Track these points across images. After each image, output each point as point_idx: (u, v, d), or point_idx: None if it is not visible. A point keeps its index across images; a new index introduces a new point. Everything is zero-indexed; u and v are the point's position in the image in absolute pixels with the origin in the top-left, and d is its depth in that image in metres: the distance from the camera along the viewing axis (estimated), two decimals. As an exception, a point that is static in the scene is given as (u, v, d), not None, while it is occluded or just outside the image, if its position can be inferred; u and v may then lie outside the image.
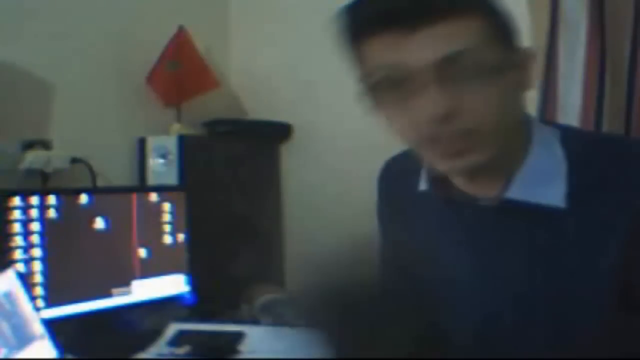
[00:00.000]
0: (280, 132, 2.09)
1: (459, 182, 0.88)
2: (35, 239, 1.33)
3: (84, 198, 1.42)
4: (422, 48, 0.75)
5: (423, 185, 0.93)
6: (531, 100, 1.65)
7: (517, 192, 0.83)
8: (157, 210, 1.56)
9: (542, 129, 0.87)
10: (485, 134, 0.78)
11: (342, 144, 1.99)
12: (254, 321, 1.44)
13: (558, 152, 0.84)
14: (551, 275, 0.83)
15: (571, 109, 1.60)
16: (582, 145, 0.84)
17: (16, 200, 1.31)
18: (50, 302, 1.34)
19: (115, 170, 1.76)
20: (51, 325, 0.99)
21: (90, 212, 1.43)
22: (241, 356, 1.27)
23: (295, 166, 2.12)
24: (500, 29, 0.78)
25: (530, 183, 0.83)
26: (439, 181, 0.90)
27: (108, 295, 1.45)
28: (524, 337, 0.86)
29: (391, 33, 0.76)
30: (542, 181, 0.83)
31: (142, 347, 1.31)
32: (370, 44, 0.78)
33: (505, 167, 0.84)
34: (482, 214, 0.87)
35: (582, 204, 0.80)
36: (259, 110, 2.13)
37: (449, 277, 0.88)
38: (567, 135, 0.86)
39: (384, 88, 0.79)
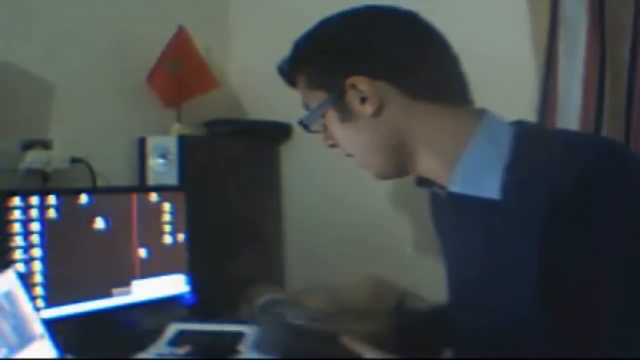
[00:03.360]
0: (280, 132, 2.09)
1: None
2: (35, 239, 1.33)
3: (84, 198, 1.42)
4: None
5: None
6: (531, 100, 1.65)
7: (456, 185, 0.93)
8: (157, 210, 1.56)
9: (494, 126, 0.93)
10: (358, 158, 1.00)
11: (342, 144, 1.99)
12: (254, 321, 1.44)
13: (503, 146, 0.90)
14: (486, 262, 0.92)
15: (571, 109, 1.60)
16: (528, 140, 0.90)
17: (16, 200, 1.31)
18: (50, 302, 1.34)
19: (115, 170, 1.76)
20: (51, 325, 0.99)
21: (90, 212, 1.43)
22: (241, 356, 1.27)
23: (295, 166, 2.12)
24: (316, 76, 0.98)
25: (468, 177, 0.91)
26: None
27: (108, 295, 1.45)
28: (471, 314, 0.97)
29: None
30: (479, 174, 0.90)
31: (142, 347, 1.31)
32: None
33: (447, 163, 0.93)
34: (445, 203, 0.99)
35: (514, 195, 0.87)
36: (259, 110, 2.13)
37: (445, 256, 1.05)
38: (520, 131, 0.92)
39: None
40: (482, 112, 0.95)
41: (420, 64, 0.94)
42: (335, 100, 0.96)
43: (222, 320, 1.40)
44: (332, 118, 0.98)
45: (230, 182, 1.89)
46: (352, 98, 0.94)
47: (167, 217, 1.57)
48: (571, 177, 0.81)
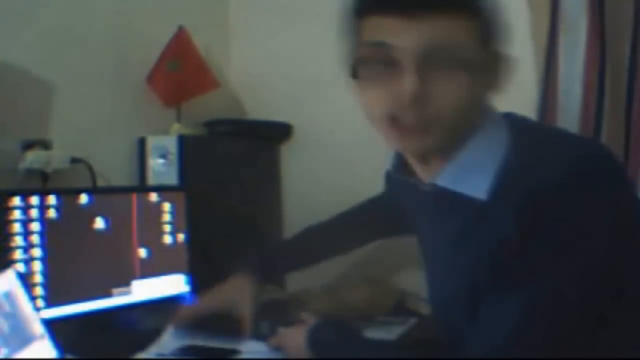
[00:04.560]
0: (280, 132, 2.09)
1: (415, 165, 0.98)
2: (35, 239, 1.33)
3: (84, 198, 1.42)
4: (412, 34, 0.83)
5: (389, 166, 1.07)
6: (531, 100, 1.65)
7: (445, 180, 0.92)
8: (157, 210, 1.56)
9: (495, 121, 0.93)
10: (444, 121, 0.86)
11: (342, 144, 1.99)
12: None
13: (499, 146, 0.89)
14: (459, 260, 0.92)
15: (571, 109, 1.60)
16: (523, 141, 0.90)
17: (16, 200, 1.31)
18: (50, 302, 1.34)
19: (115, 170, 1.76)
20: (51, 325, 0.99)
21: (90, 212, 1.43)
22: (241, 356, 1.27)
23: (295, 166, 2.12)
24: (487, 32, 0.87)
25: (460, 173, 0.91)
26: (402, 164, 1.02)
27: (108, 295, 1.45)
28: (445, 304, 1.00)
29: (390, 16, 0.84)
30: (471, 172, 0.90)
31: (142, 347, 1.31)
32: (370, 21, 0.87)
33: (449, 155, 0.92)
34: (424, 196, 0.97)
35: (499, 196, 0.87)
36: (259, 110, 2.13)
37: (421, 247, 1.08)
38: (515, 130, 0.91)
39: (369, 62, 0.88)
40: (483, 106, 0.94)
41: None
42: (495, 62, 0.90)
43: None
44: (479, 75, 0.88)
45: (230, 182, 1.89)
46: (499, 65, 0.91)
47: (167, 217, 1.57)
48: (544, 185, 0.82)
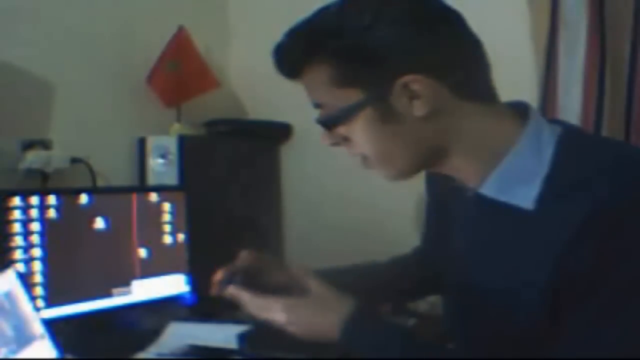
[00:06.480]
0: (280, 132, 2.09)
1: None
2: (35, 239, 1.33)
3: (84, 198, 1.42)
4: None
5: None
6: (531, 101, 1.65)
7: (489, 188, 0.88)
8: (157, 210, 1.56)
9: (539, 128, 0.88)
10: (372, 159, 0.91)
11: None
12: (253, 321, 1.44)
13: (546, 154, 0.85)
14: (499, 270, 0.89)
15: (571, 109, 1.60)
16: (571, 148, 0.85)
17: (16, 200, 1.31)
18: (50, 302, 1.34)
19: (115, 170, 1.76)
20: (51, 325, 0.99)
21: (90, 212, 1.43)
22: (241, 356, 1.27)
23: (295, 166, 2.12)
24: (351, 72, 0.86)
25: (504, 182, 0.87)
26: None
27: (108, 295, 1.45)
28: (470, 316, 0.96)
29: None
30: (517, 181, 0.86)
31: (142, 347, 1.31)
32: None
33: (485, 165, 0.88)
34: (467, 201, 0.94)
35: (548, 207, 0.83)
36: (259, 110, 2.13)
37: (453, 251, 1.00)
38: (565, 137, 0.87)
39: None
40: (526, 112, 0.90)
41: (468, 62, 0.88)
42: (379, 100, 0.85)
43: (222, 320, 1.40)
44: (366, 118, 0.87)
45: (230, 182, 1.89)
46: (400, 97, 0.85)
47: (167, 217, 1.57)
48: (614, 193, 0.78)
